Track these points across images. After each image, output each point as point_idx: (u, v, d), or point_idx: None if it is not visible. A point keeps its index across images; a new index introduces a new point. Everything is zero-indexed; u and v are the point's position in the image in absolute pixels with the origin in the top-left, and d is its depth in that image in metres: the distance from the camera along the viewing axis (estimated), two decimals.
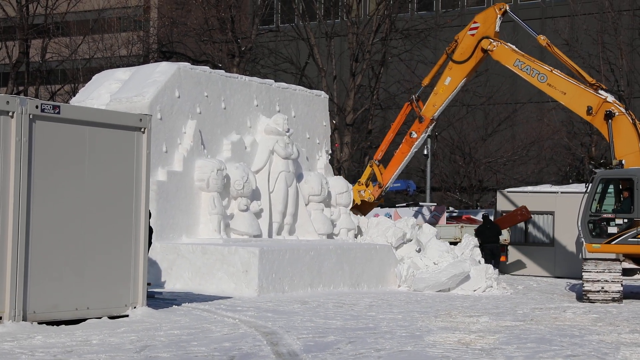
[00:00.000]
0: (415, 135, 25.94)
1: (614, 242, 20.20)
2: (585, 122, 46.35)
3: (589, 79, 23.61)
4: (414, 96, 26.25)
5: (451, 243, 25.46)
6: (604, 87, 24.06)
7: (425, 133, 26.37)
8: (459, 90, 26.13)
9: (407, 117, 27.38)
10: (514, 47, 24.78)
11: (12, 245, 12.32)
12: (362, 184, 26.46)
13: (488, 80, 47.14)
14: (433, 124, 26.31)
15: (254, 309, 16.10)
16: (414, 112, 26.54)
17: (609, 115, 22.57)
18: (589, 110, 22.95)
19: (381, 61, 44.60)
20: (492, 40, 24.69)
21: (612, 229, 20.30)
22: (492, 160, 48.92)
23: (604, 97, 22.95)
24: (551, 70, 23.81)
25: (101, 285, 13.52)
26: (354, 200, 25.49)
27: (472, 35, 25.06)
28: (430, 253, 23.11)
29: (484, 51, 24.84)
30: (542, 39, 24.20)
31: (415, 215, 31.75)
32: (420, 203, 36.24)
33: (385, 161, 27.37)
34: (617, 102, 23.36)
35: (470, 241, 23.89)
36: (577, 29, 47.35)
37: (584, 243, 20.82)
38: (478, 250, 23.82)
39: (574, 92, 23.36)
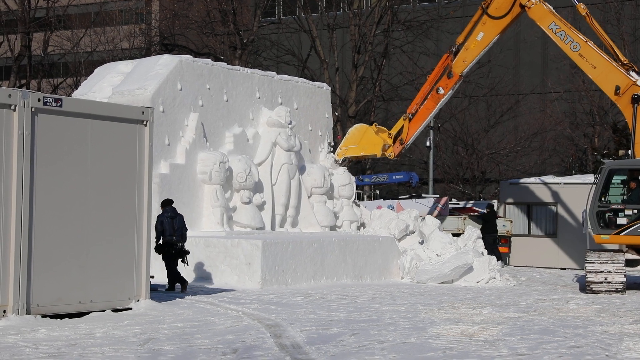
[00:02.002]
0: (442, 92, 24.87)
1: (623, 233, 20.09)
2: (588, 112, 46.51)
3: (622, 58, 22.80)
4: (453, 48, 24.95)
5: (454, 235, 25.44)
6: (637, 69, 23.37)
7: (453, 90, 25.19)
8: (491, 46, 25.00)
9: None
10: (552, 8, 23.77)
11: (15, 239, 12.33)
12: (391, 137, 25.27)
13: (490, 72, 47.06)
14: (461, 81, 25.25)
15: (257, 302, 16.11)
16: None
17: (635, 100, 22.03)
18: (617, 90, 22.29)
19: (383, 53, 44.56)
20: None
21: (621, 220, 20.18)
22: (495, 152, 48.88)
23: (634, 80, 22.26)
24: (586, 41, 22.99)
25: (104, 278, 13.53)
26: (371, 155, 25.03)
27: None
28: (433, 245, 23.09)
29: (522, 7, 23.81)
30: (582, 8, 23.28)
31: (431, 211, 31.40)
32: (423, 195, 36.20)
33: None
34: None
35: (473, 233, 23.85)
36: (579, 19, 47.21)
37: (592, 234, 20.67)
38: (481, 242, 23.79)
39: (605, 68, 22.60)
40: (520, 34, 50.45)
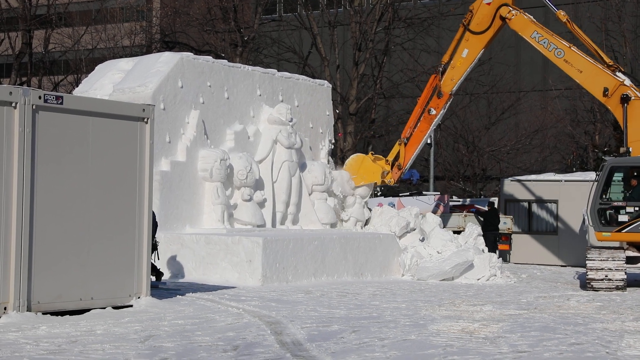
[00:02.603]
0: (434, 112, 24.81)
1: (624, 231, 20.08)
2: (589, 110, 46.50)
3: (607, 59, 22.92)
4: (440, 68, 24.95)
5: (455, 232, 25.43)
6: (622, 69, 23.45)
7: (444, 109, 25.15)
8: (477, 62, 25.09)
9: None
10: (532, 18, 23.91)
11: (16, 236, 12.33)
12: (389, 163, 25.08)
13: (491, 69, 47.06)
14: (451, 100, 25.16)
15: (258, 299, 16.12)
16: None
17: (625, 99, 22.10)
18: (605, 92, 22.38)
19: (384, 50, 44.55)
20: (511, 8, 23.80)
21: (622, 217, 20.19)
22: (496, 149, 48.88)
23: (621, 80, 22.33)
24: (569, 47, 23.09)
25: (105, 275, 13.54)
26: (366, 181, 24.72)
27: (488, 4, 24.09)
28: (433, 242, 23.09)
29: (503, 19, 23.93)
30: (562, 15, 23.38)
31: (434, 210, 31.38)
32: (424, 192, 36.22)
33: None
34: (633, 86, 22.75)
35: (474, 230, 23.85)
36: (580, 16, 47.23)
37: (594, 231, 20.68)
38: (481, 239, 23.80)
39: (591, 71, 22.70)
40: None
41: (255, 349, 10.65)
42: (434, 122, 25.13)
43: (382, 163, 25.19)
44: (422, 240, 23.85)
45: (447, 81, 24.73)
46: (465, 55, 24.43)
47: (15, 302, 12.31)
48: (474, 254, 22.27)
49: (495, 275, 22.14)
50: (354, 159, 25.66)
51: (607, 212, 20.37)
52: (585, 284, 20.27)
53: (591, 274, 19.95)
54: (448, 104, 25.14)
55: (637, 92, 22.24)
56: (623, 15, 43.85)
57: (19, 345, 10.39)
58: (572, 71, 23.08)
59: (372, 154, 26.22)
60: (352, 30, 44.16)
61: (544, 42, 23.37)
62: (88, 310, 13.19)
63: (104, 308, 13.41)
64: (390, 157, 25.31)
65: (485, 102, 50.77)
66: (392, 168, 25.09)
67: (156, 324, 12.45)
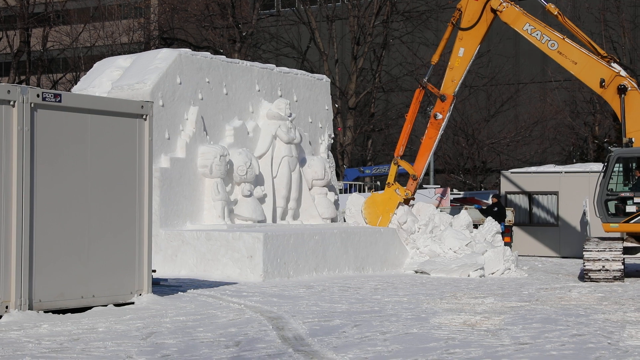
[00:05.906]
0: (440, 116, 24.41)
1: (632, 221, 20.00)
2: (588, 101, 46.47)
3: (601, 51, 22.69)
4: (425, 80, 24.77)
5: (474, 226, 25.09)
6: (617, 59, 23.28)
7: (450, 111, 24.73)
8: (475, 58, 24.70)
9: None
10: (523, 10, 23.63)
11: (16, 234, 12.33)
12: (392, 184, 24.43)
13: (490, 61, 47.04)
14: (455, 101, 24.75)
15: (259, 294, 16.12)
16: (423, 100, 25.21)
17: (622, 90, 21.97)
18: (602, 83, 22.20)
19: (383, 44, 44.57)
20: (501, 0, 23.49)
21: (630, 208, 20.11)
22: (496, 142, 48.87)
23: (617, 71, 22.19)
24: (563, 38, 22.83)
25: (106, 273, 13.54)
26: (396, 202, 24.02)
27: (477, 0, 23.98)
28: (448, 241, 22.67)
29: (494, 11, 23.64)
30: (552, 8, 23.08)
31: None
32: (424, 186, 36.22)
33: (406, 155, 26.06)
34: (629, 76, 22.63)
35: (492, 226, 23.45)
36: (579, 6, 47.18)
37: (601, 223, 20.61)
38: (499, 237, 23.45)
39: (586, 63, 22.48)
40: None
41: (257, 344, 10.65)
42: (442, 126, 24.62)
43: (387, 188, 24.65)
44: (431, 233, 23.54)
45: (448, 83, 24.35)
46: (462, 54, 24.12)
47: (16, 301, 12.31)
48: (485, 258, 21.64)
49: (510, 269, 21.82)
50: (365, 208, 24.31)
51: (614, 203, 20.30)
52: (583, 274, 20.24)
53: (588, 265, 19.89)
54: (452, 106, 24.84)
55: (633, 83, 22.14)
56: (622, 5, 43.82)
57: (20, 344, 10.40)
58: (567, 63, 22.87)
59: (372, 192, 25.87)
60: (350, 24, 44.16)
61: (537, 34, 23.14)
62: (89, 308, 13.19)
63: (106, 305, 13.41)
64: (390, 179, 24.69)
65: (485, 95, 50.75)
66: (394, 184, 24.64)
67: (158, 320, 12.45)
